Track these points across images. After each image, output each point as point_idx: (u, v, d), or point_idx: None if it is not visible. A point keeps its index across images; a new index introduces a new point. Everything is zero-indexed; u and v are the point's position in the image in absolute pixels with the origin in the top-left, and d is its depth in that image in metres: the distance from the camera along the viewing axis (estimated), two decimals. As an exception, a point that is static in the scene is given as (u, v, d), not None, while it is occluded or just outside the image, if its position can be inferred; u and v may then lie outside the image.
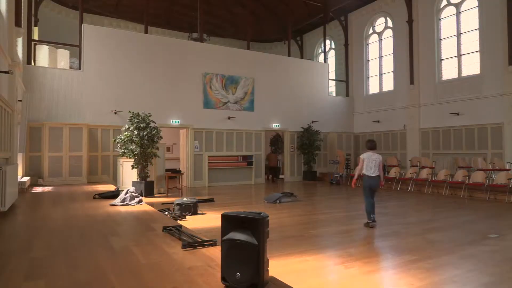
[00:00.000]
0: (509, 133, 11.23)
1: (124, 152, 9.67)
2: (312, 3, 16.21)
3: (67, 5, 15.19)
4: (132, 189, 7.60)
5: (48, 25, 14.21)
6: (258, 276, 2.51)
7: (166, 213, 6.84)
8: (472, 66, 12.63)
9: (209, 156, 13.46)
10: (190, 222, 6.27)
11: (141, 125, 9.66)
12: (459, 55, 13.02)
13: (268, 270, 2.65)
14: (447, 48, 13.49)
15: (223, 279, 2.63)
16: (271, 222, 4.82)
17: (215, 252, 3.54)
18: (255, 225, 2.57)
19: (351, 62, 17.36)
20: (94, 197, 7.87)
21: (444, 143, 13.21)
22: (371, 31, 16.66)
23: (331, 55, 18.73)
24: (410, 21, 14.32)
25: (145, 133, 9.57)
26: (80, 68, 11.71)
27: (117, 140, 9.84)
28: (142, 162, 9.63)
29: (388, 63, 15.81)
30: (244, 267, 2.52)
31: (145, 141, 9.56)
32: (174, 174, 10.56)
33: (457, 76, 13.07)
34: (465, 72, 12.85)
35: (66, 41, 12.38)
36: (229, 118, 13.93)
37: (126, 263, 3.29)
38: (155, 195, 9.86)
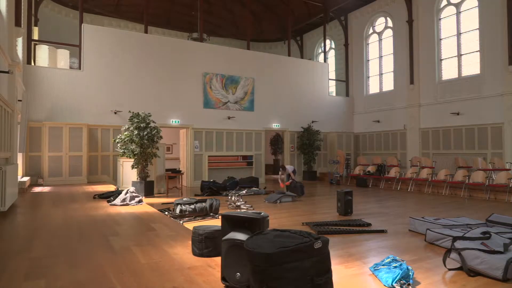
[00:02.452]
0: (509, 133, 11.23)
1: (124, 152, 9.67)
2: (312, 3, 16.22)
3: (67, 5, 15.20)
4: (132, 189, 7.61)
5: (48, 25, 14.23)
6: (258, 276, 2.51)
7: (166, 213, 6.85)
8: (472, 66, 12.63)
9: (209, 156, 13.47)
10: (190, 222, 6.27)
11: (141, 125, 9.65)
12: (459, 55, 13.02)
13: (268, 270, 2.65)
14: (447, 48, 13.48)
15: (223, 279, 2.63)
16: (271, 222, 4.82)
17: (215, 252, 3.54)
18: (255, 225, 2.58)
19: (351, 62, 17.35)
20: (94, 197, 7.88)
21: (444, 143, 13.22)
22: (371, 31, 16.66)
23: (331, 55, 18.73)
24: (410, 21, 14.32)
25: (145, 133, 9.56)
26: (80, 68, 11.71)
27: (117, 140, 9.84)
28: (142, 162, 9.62)
29: (388, 63, 15.80)
30: (244, 267, 2.52)
31: (145, 141, 9.55)
32: (174, 174, 10.54)
33: (457, 76, 13.07)
34: (465, 72, 12.85)
35: (66, 41, 12.39)
36: (229, 118, 13.93)
37: (126, 263, 3.29)
38: (155, 195, 9.86)
